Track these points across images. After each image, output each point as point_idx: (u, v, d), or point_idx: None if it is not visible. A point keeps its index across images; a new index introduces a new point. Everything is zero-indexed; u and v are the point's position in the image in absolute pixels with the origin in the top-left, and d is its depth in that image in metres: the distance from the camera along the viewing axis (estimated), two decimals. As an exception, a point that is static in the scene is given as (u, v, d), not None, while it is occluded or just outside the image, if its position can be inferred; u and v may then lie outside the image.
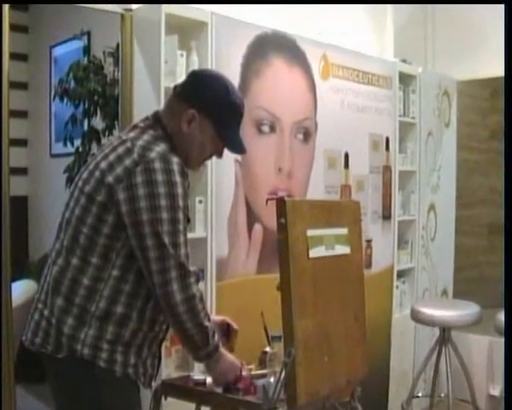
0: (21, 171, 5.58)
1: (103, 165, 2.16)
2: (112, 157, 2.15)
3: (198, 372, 2.77)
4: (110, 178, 2.12)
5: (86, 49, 4.83)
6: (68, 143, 4.87)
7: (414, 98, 4.77)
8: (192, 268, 2.15)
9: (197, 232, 3.25)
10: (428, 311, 4.11)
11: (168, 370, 3.14)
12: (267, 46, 3.59)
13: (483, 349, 4.89)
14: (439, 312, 4.10)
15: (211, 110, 2.27)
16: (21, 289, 3.96)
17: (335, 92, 4.07)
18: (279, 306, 2.42)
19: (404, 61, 4.75)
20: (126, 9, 3.24)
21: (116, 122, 3.98)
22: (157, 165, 2.11)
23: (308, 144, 3.84)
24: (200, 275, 3.15)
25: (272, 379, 2.44)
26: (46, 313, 2.17)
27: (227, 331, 2.57)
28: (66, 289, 2.14)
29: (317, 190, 3.89)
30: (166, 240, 2.09)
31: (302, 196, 3.77)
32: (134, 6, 3.25)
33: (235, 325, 2.60)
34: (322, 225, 2.63)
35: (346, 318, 2.72)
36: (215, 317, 2.62)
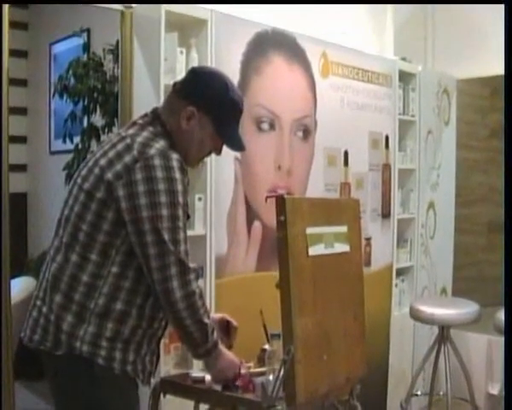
0: (21, 168, 5.59)
1: (102, 162, 2.15)
2: (111, 154, 2.15)
3: (197, 370, 2.77)
4: (109, 175, 2.12)
5: (86, 47, 4.83)
6: (68, 140, 4.87)
7: (414, 96, 4.77)
8: (192, 265, 2.15)
9: (196, 230, 3.25)
10: (427, 309, 4.11)
11: (167, 367, 3.14)
12: (267, 44, 3.59)
13: (482, 348, 4.89)
14: (438, 310, 4.09)
15: (210, 107, 2.27)
16: (20, 286, 3.95)
17: (335, 90, 4.07)
18: (278, 304, 2.42)
19: (403, 59, 4.74)
20: (126, 6, 3.23)
21: (116, 119, 3.98)
22: (157, 161, 2.11)
23: (308, 142, 3.84)
24: (200, 272, 3.15)
25: (271, 377, 2.44)
26: (45, 310, 2.17)
27: (227, 328, 2.57)
28: (65, 286, 2.14)
29: (316, 188, 3.89)
30: (166, 237, 2.09)
31: (301, 194, 3.77)
32: (134, 3, 3.25)
33: (234, 322, 2.60)
34: (321, 222, 2.62)
35: (345, 316, 2.72)
36: (214, 314, 2.62)
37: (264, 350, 2.68)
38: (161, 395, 2.62)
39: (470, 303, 4.16)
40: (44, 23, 5.50)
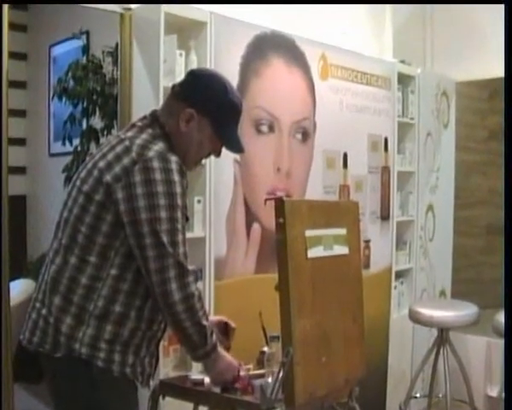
0: (20, 170, 5.58)
1: (101, 164, 2.16)
2: (110, 156, 2.16)
3: (196, 372, 2.77)
4: (108, 177, 2.12)
5: (85, 49, 4.83)
6: (67, 143, 4.87)
7: (413, 99, 4.78)
8: (190, 267, 2.15)
9: (195, 232, 3.25)
10: (427, 311, 4.11)
11: (166, 369, 3.14)
12: (266, 46, 3.59)
13: (481, 350, 4.89)
14: (437, 312, 4.10)
15: (209, 109, 2.27)
16: (19, 288, 3.95)
17: (334, 92, 4.07)
18: (277, 306, 2.42)
19: (402, 61, 4.75)
20: (125, 9, 3.24)
21: (115, 121, 3.98)
22: (155, 164, 2.11)
23: (307, 144, 3.84)
24: (199, 274, 3.15)
25: (270, 379, 2.44)
26: (44, 312, 2.17)
27: (225, 330, 2.58)
28: (64, 288, 2.14)
29: (315, 190, 3.89)
30: (165, 239, 2.09)
31: (301, 196, 3.77)
32: (133, 5, 3.25)
33: (232, 324, 2.61)
34: (320, 225, 2.63)
35: (344, 318, 2.72)
36: (212, 317, 2.62)
37: (263, 352, 2.68)
38: (160, 398, 2.62)
39: (469, 305, 4.16)
40: (44, 25, 5.50)
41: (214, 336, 2.26)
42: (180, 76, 3.03)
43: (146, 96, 3.17)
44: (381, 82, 4.47)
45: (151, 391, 2.57)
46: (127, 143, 2.17)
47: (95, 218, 2.13)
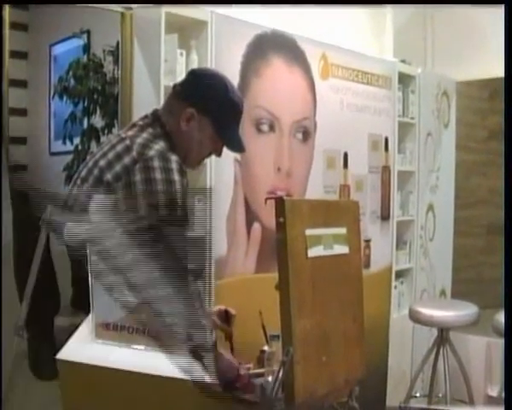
0: (21, 169, 5.58)
1: (102, 163, 2.16)
2: (110, 155, 2.16)
3: (196, 371, 2.77)
4: (109, 176, 2.12)
5: (86, 48, 4.82)
6: (68, 142, 4.86)
7: (413, 99, 4.78)
8: (190, 266, 2.15)
9: (196, 231, 3.24)
10: (427, 311, 4.11)
11: (166, 368, 3.13)
12: (267, 45, 3.59)
13: (481, 350, 4.89)
14: (437, 312, 4.10)
15: (210, 109, 2.27)
16: (20, 287, 3.95)
17: (335, 92, 4.07)
18: (277, 305, 2.42)
19: (403, 61, 4.75)
20: (126, 8, 3.24)
21: (115, 121, 3.98)
22: (156, 163, 2.11)
23: (307, 144, 3.84)
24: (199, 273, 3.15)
25: (270, 378, 2.44)
26: (44, 310, 2.18)
27: (226, 318, 2.60)
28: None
29: (315, 190, 3.89)
30: (165, 238, 2.10)
31: (301, 196, 3.77)
32: (134, 5, 3.26)
33: (232, 311, 2.64)
34: (320, 224, 2.63)
35: (344, 317, 2.72)
36: (211, 308, 2.63)
37: (263, 351, 2.68)
38: (160, 397, 2.62)
39: (469, 305, 4.16)
40: (44, 24, 5.49)
41: (214, 335, 2.26)
42: (181, 75, 3.03)
43: (147, 95, 3.17)
44: (382, 82, 4.47)
45: (151, 390, 2.57)
46: (128, 142, 2.17)
47: (95, 217, 2.13)
